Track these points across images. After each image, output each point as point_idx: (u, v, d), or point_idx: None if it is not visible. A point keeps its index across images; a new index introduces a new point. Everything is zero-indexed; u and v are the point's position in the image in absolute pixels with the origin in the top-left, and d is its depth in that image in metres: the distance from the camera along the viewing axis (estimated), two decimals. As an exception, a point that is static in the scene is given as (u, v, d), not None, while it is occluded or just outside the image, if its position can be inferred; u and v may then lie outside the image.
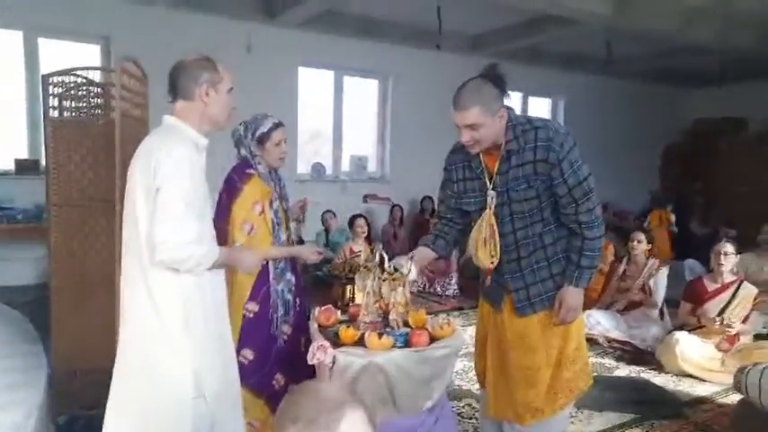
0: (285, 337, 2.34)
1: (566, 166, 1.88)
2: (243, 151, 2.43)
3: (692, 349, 3.69)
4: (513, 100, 8.94)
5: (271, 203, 2.37)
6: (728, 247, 3.90)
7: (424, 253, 2.21)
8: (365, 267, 2.01)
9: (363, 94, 7.60)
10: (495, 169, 1.96)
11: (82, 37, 5.63)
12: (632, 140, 9.86)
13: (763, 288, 4.66)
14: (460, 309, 5.35)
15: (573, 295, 1.98)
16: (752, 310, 3.86)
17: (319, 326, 2.08)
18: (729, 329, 3.70)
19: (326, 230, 6.53)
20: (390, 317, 1.96)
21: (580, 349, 2.13)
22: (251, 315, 2.29)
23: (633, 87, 9.78)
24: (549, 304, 2.02)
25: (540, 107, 9.51)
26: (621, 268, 4.55)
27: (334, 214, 6.49)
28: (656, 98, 10.15)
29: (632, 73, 9.15)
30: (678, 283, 4.72)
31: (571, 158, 1.89)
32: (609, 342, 4.25)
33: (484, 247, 1.99)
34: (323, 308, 2.15)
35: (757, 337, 4.19)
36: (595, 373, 3.67)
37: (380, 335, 1.83)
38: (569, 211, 1.94)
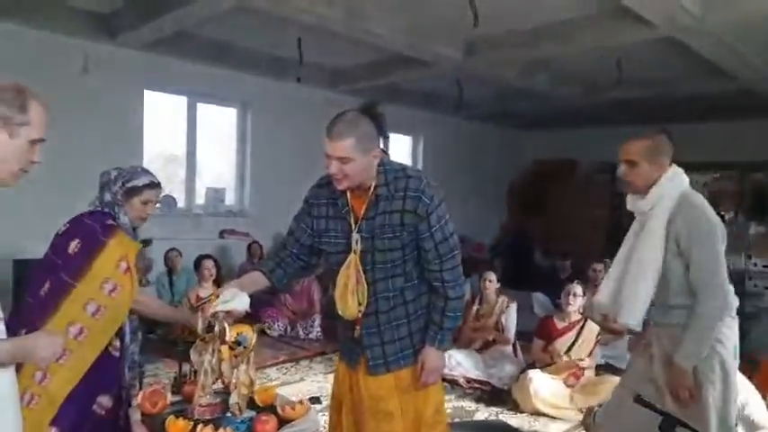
0: (103, 412, 1.94)
1: (434, 220, 1.84)
2: (107, 197, 2.13)
3: (544, 387, 3.82)
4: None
5: (136, 260, 2.08)
6: (577, 289, 4.16)
7: (256, 279, 1.99)
8: (202, 339, 1.71)
9: (221, 122, 7.15)
10: (362, 213, 1.85)
11: None
12: (484, 178, 10.48)
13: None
14: (323, 353, 5.12)
15: (435, 357, 1.92)
16: (595, 345, 4.12)
17: (143, 414, 1.70)
18: (581, 363, 3.91)
19: (170, 272, 5.78)
20: (231, 400, 1.66)
21: (440, 413, 2.03)
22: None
23: (483, 128, 10.45)
24: (405, 364, 1.93)
25: (401, 145, 9.75)
26: (475, 308, 4.66)
27: (180, 253, 5.84)
28: (502, 139, 10.94)
29: (482, 115, 9.78)
30: (527, 316, 4.95)
31: (440, 213, 1.86)
32: (469, 383, 4.28)
33: (353, 295, 1.85)
34: (150, 389, 1.77)
35: (598, 367, 4.51)
36: (457, 419, 3.66)
37: (217, 426, 1.52)
38: (434, 268, 1.88)
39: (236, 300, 1.78)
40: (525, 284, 7.68)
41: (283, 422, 1.66)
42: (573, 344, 4.06)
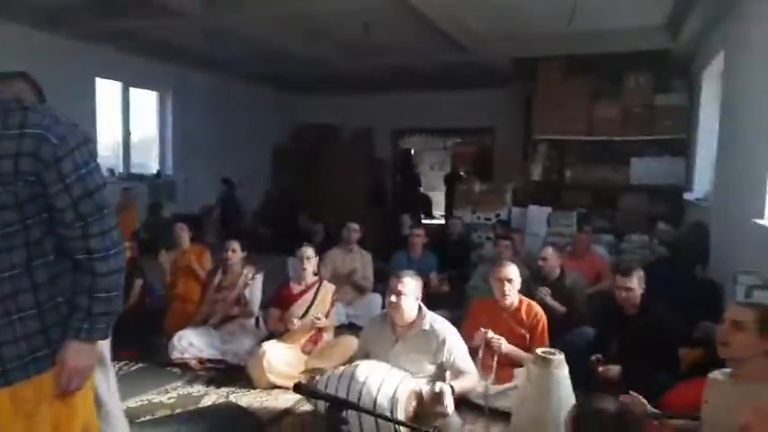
0: None
1: (67, 167, 1.37)
2: None
3: (278, 358, 3.63)
4: (113, 90, 7.90)
5: None
6: (309, 252, 4.03)
7: None
8: None
9: None
10: None
11: None
12: (246, 141, 10.00)
13: (345, 280, 5.13)
14: None
15: (80, 353, 1.45)
16: (331, 306, 4.06)
17: None
18: (316, 322, 3.80)
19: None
20: None
21: (92, 429, 1.60)
22: None
23: (241, 87, 9.91)
24: (38, 369, 1.43)
25: (145, 100, 8.69)
26: (217, 279, 4.27)
27: None
28: (265, 102, 10.56)
29: (240, 73, 9.23)
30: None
31: (78, 159, 1.39)
32: (202, 364, 3.91)
33: None
34: None
35: (340, 328, 4.52)
36: (179, 409, 3.27)
37: None
38: (74, 234, 1.40)
39: None
40: (286, 250, 7.52)
41: None
42: (309, 307, 3.93)
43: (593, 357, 3.12)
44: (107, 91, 7.80)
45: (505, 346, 3.20)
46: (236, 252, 4.28)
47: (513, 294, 3.36)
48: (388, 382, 2.65)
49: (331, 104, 10.70)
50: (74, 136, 1.40)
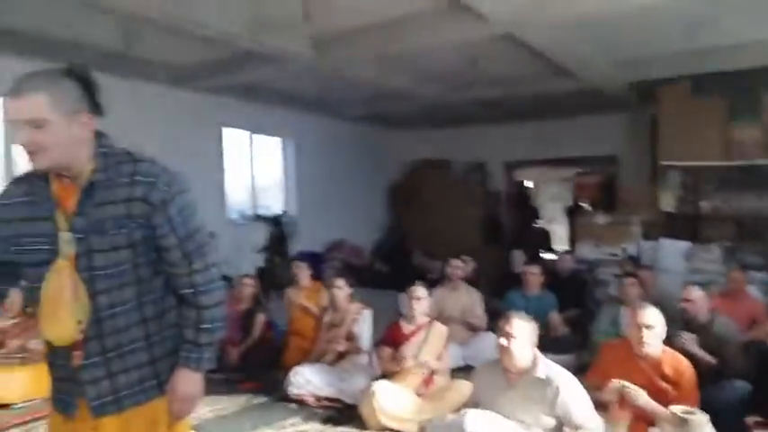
0: None
1: (173, 211, 1.49)
2: None
3: (390, 399, 3.56)
4: (240, 138, 8.54)
5: None
6: (420, 291, 3.96)
7: None
8: None
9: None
10: (74, 206, 1.43)
11: None
12: (359, 180, 10.32)
13: (456, 320, 4.97)
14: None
15: (190, 381, 1.55)
16: (444, 348, 3.94)
17: None
18: (428, 364, 3.69)
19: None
20: None
21: None
22: None
23: (355, 129, 10.29)
24: (147, 398, 1.53)
25: (269, 147, 9.30)
26: (326, 318, 4.35)
27: None
28: (374, 140, 10.86)
29: (352, 115, 9.60)
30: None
31: (181, 203, 1.51)
32: (319, 401, 3.96)
33: (68, 312, 1.41)
34: None
35: (456, 371, 4.36)
36: (294, 446, 3.31)
37: None
38: (181, 271, 1.52)
39: None
40: (403, 286, 7.52)
41: None
42: (420, 348, 3.84)
43: (748, 419, 2.68)
44: (234, 138, 8.48)
45: (643, 398, 2.78)
46: (341, 289, 4.33)
47: (653, 342, 2.90)
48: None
49: (442, 139, 10.73)
50: (177, 183, 1.52)
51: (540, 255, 10.06)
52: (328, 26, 5.32)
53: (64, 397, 1.52)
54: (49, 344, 1.50)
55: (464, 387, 3.57)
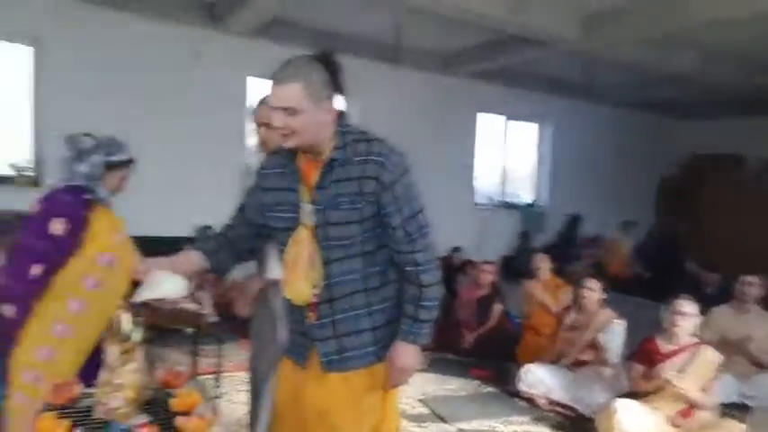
0: None
1: (399, 191, 1.54)
2: (83, 168, 2.00)
3: (634, 421, 3.09)
4: (497, 123, 8.47)
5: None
6: (687, 307, 3.32)
7: (191, 259, 1.68)
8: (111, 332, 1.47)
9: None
10: (316, 181, 1.55)
11: (13, 37, 5.21)
12: (622, 174, 9.36)
13: (736, 349, 4.09)
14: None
15: (407, 353, 1.62)
16: (713, 380, 3.26)
17: (50, 405, 1.52)
18: (688, 393, 3.11)
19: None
20: (112, 404, 1.41)
21: (395, 419, 1.73)
22: None
23: (620, 115, 9.31)
24: (365, 363, 1.62)
25: (525, 133, 9.03)
26: (570, 318, 3.98)
27: None
28: (644, 128, 9.65)
29: (619, 101, 8.69)
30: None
31: (406, 184, 1.56)
32: (551, 404, 3.68)
33: (304, 275, 1.56)
34: (61, 381, 1.58)
35: (729, 407, 3.61)
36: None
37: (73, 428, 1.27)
38: (404, 248, 1.58)
39: (168, 283, 1.54)
40: (667, 298, 6.60)
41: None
42: (682, 372, 3.23)
43: None
44: (489, 123, 8.45)
45: None
46: (593, 291, 3.92)
47: None
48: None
49: (733, 131, 8.99)
50: (404, 164, 1.56)
51: None
52: (600, 3, 4.82)
53: (297, 348, 1.68)
54: (288, 301, 1.65)
55: (735, 429, 2.95)
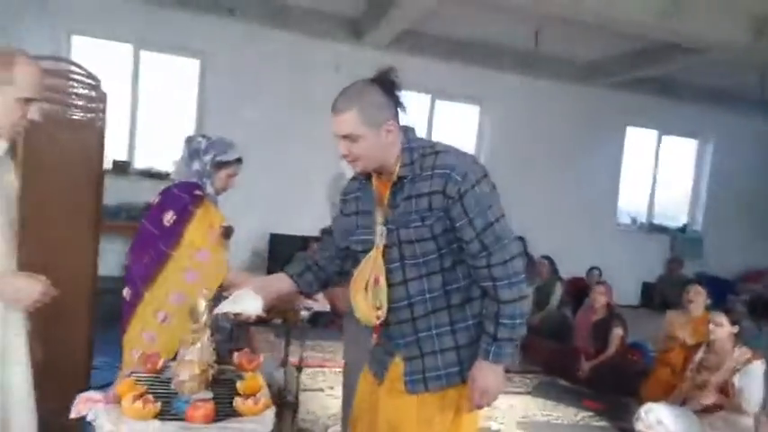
0: None
1: (470, 202, 1.47)
2: (196, 166, 2.21)
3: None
4: (647, 138, 7.81)
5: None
6: None
7: (278, 282, 1.76)
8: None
9: (459, 120, 7.16)
10: (386, 200, 1.56)
11: (182, 51, 6.05)
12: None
13: None
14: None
15: (487, 373, 1.53)
16: None
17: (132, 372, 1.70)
18: None
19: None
20: (180, 377, 1.56)
21: None
22: None
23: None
24: (448, 383, 1.56)
25: (680, 149, 8.19)
26: (698, 356, 3.54)
27: None
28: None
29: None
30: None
31: (478, 194, 1.48)
32: (669, 450, 3.31)
33: (364, 295, 1.58)
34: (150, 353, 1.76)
35: None
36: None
37: (146, 397, 1.43)
38: (480, 263, 1.50)
39: (248, 302, 1.62)
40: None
41: (233, 415, 1.50)
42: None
43: None
44: (639, 138, 7.81)
45: None
46: (721, 326, 3.43)
47: None
48: None
49: None
50: (474, 172, 1.49)
51: None
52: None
53: (378, 363, 1.69)
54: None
55: None
